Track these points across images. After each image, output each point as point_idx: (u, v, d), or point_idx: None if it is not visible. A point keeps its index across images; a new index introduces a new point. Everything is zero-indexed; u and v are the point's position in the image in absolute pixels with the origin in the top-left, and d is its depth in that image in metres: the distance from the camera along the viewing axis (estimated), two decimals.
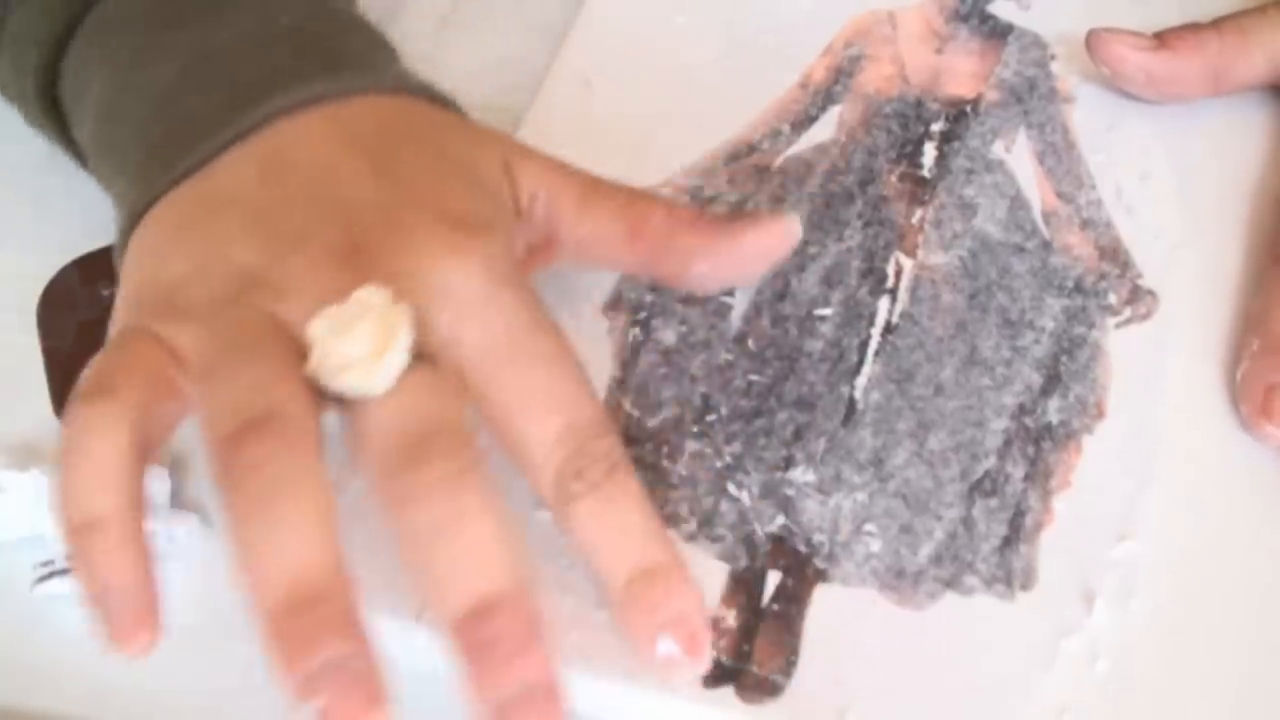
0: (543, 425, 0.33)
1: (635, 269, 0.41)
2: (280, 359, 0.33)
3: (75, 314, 0.46)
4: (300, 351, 0.33)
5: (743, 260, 0.39)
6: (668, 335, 0.44)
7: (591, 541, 0.33)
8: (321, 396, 0.33)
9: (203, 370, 0.34)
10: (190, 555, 0.42)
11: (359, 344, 0.32)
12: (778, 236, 0.39)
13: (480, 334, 0.34)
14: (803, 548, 0.40)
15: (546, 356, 0.34)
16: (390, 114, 0.39)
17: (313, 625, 0.30)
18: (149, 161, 0.39)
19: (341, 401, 0.33)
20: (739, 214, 0.43)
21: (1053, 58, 0.50)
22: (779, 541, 0.40)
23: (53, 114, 0.44)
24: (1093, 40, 0.48)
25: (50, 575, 0.41)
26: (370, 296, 0.33)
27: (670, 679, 0.33)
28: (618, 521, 0.33)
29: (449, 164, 0.38)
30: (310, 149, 0.37)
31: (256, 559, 0.31)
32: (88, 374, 0.34)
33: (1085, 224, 0.46)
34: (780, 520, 0.40)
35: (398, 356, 0.33)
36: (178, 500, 0.42)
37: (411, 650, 0.39)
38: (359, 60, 0.41)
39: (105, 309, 0.46)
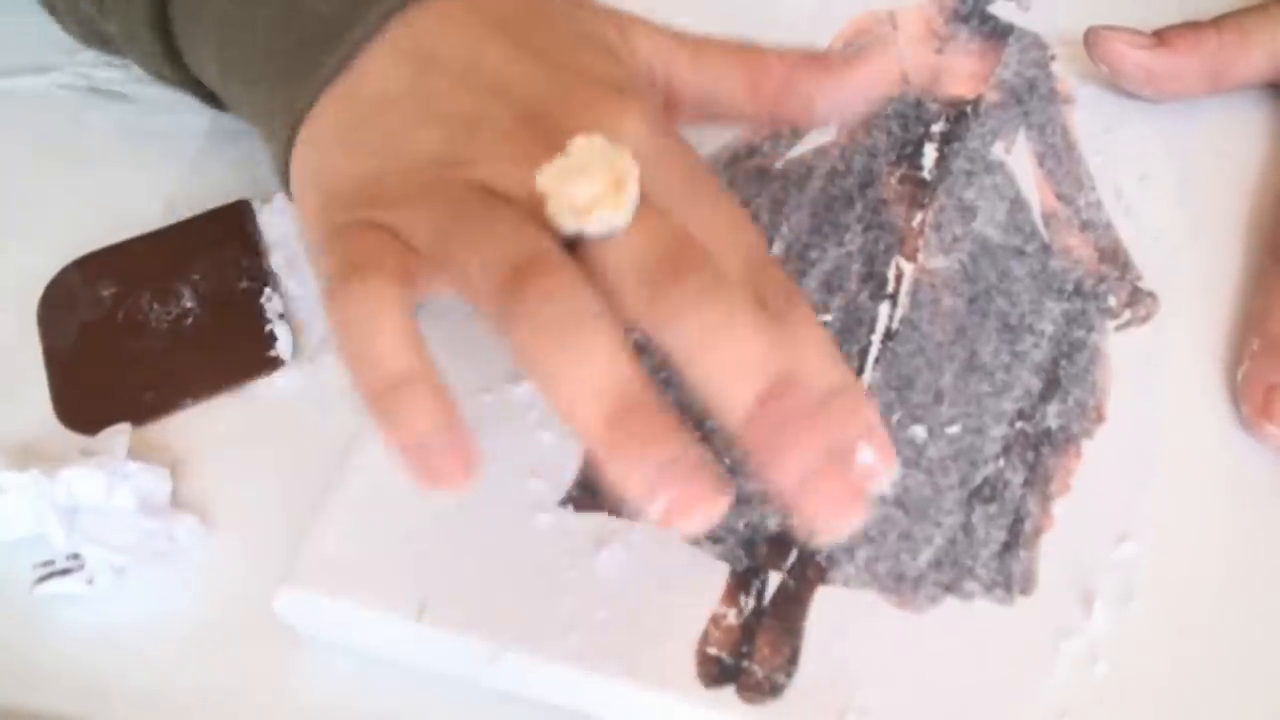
0: (729, 261, 0.35)
1: (755, 116, 0.42)
2: (515, 213, 0.35)
3: (75, 314, 0.46)
4: (522, 209, 0.35)
5: (856, 95, 0.41)
6: None
7: (786, 364, 0.34)
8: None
9: (443, 241, 0.35)
10: (190, 555, 0.42)
11: (596, 183, 0.34)
12: (883, 68, 0.42)
13: (661, 182, 0.35)
14: (803, 549, 0.40)
15: (718, 197, 0.36)
16: None
17: (641, 429, 0.32)
18: (288, 68, 0.40)
19: (576, 251, 0.35)
20: (842, 54, 0.44)
21: (1053, 58, 0.50)
22: (780, 542, 0.40)
23: (163, 44, 0.44)
24: (1091, 38, 0.48)
25: (50, 575, 0.41)
26: (587, 143, 0.35)
27: (871, 488, 0.34)
28: (806, 345, 0.35)
29: (581, 37, 0.40)
30: (451, 41, 0.39)
31: (569, 382, 0.32)
32: (336, 262, 0.36)
33: (1085, 226, 0.46)
34: (781, 522, 0.40)
35: (633, 191, 0.34)
36: (178, 500, 0.42)
37: (412, 650, 0.39)
38: None
39: (105, 309, 0.46)
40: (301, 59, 0.39)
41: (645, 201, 0.35)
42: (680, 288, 0.33)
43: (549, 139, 0.35)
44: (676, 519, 0.32)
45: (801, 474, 0.32)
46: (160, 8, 0.44)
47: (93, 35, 0.49)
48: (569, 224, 0.34)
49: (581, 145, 0.35)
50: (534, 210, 0.35)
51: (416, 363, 0.34)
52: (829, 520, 0.32)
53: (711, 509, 0.32)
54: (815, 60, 0.41)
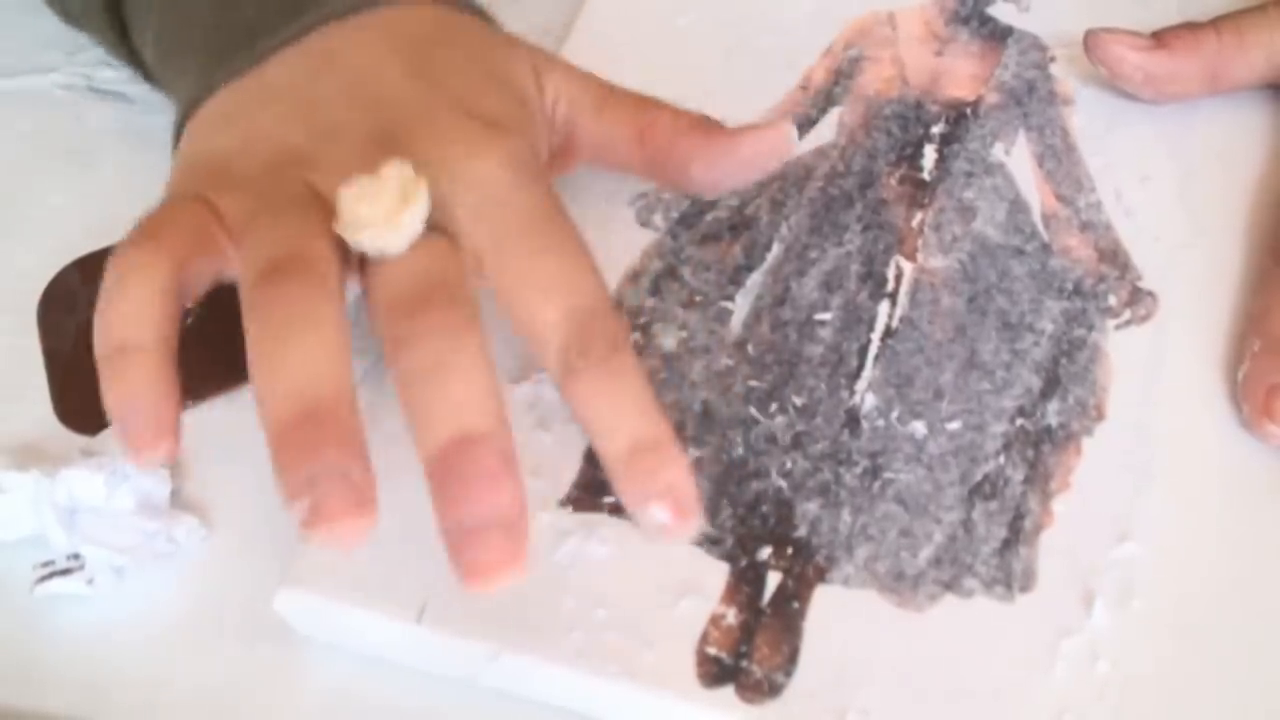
0: (551, 306, 0.35)
1: (643, 171, 0.43)
2: (312, 218, 0.36)
3: (75, 314, 0.46)
4: (331, 216, 0.36)
5: (739, 165, 0.42)
6: (668, 341, 0.44)
7: (591, 415, 0.35)
8: (348, 259, 0.36)
9: (243, 225, 0.36)
10: (190, 555, 0.42)
11: (379, 207, 0.35)
12: (774, 143, 0.43)
13: (498, 222, 0.36)
14: (803, 548, 0.40)
15: (559, 245, 0.36)
16: (435, 22, 0.42)
17: (314, 436, 0.32)
18: (209, 62, 0.41)
19: (364, 270, 0.36)
20: (742, 125, 0.44)
21: (1052, 60, 0.50)
22: (779, 542, 0.40)
23: (116, 25, 0.46)
24: (1090, 40, 0.48)
25: (50, 575, 0.41)
26: (395, 169, 0.36)
27: (663, 542, 0.34)
28: (616, 397, 0.34)
29: (483, 69, 0.41)
30: (356, 51, 0.40)
31: (269, 378, 0.33)
32: (137, 223, 0.37)
33: (1085, 226, 0.46)
34: (780, 522, 0.40)
35: (411, 220, 0.35)
36: (178, 500, 0.42)
37: (411, 650, 0.39)
38: None
39: None
40: (221, 56, 0.41)
41: (445, 238, 0.36)
42: (417, 320, 0.34)
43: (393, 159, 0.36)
44: (314, 526, 0.32)
45: (464, 525, 0.32)
46: None
47: (56, 4, 0.50)
48: (347, 238, 0.36)
49: (389, 168, 0.36)
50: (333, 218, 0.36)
51: (145, 335, 0.34)
52: (469, 579, 0.32)
53: (350, 527, 0.32)
54: (703, 127, 0.42)
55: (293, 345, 0.33)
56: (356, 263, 0.36)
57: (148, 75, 0.48)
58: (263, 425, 0.33)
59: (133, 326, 0.34)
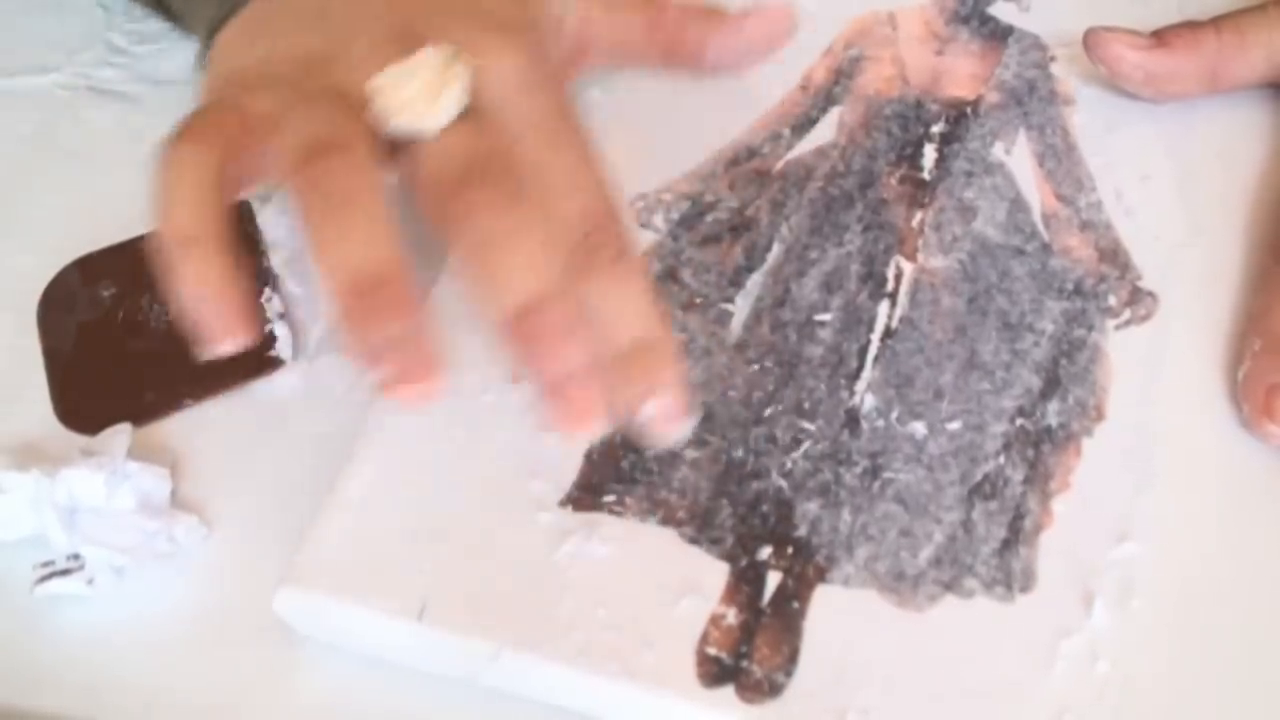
0: (565, 205, 0.37)
1: (658, 60, 0.45)
2: (343, 109, 0.38)
3: (75, 314, 0.46)
4: (361, 108, 0.38)
5: (748, 44, 0.45)
6: None
7: (599, 313, 0.37)
8: (386, 145, 0.38)
9: (277, 119, 0.38)
10: (190, 555, 0.42)
11: (414, 90, 0.37)
12: (779, 22, 0.46)
13: (517, 117, 0.38)
14: (803, 548, 0.40)
15: (574, 146, 0.39)
16: None
17: (376, 305, 0.35)
18: None
19: (406, 154, 0.38)
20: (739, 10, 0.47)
21: (1053, 59, 0.50)
22: (779, 542, 0.40)
23: None
24: (1090, 39, 0.48)
25: (50, 575, 0.41)
26: (429, 54, 0.38)
27: (652, 441, 0.38)
28: (622, 299, 0.37)
29: None
30: None
31: (330, 250, 0.36)
32: (177, 124, 0.38)
33: (1085, 226, 0.46)
34: (780, 522, 0.40)
35: (449, 100, 0.37)
36: (177, 500, 0.43)
37: (412, 650, 0.39)
38: None
39: (105, 309, 0.46)
40: None
41: (483, 120, 0.38)
42: (473, 193, 0.36)
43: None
44: (394, 389, 0.35)
45: (554, 377, 0.35)
46: None
47: None
48: (382, 123, 0.37)
49: (423, 53, 0.38)
50: (364, 109, 0.38)
51: (199, 227, 0.36)
52: (561, 426, 0.35)
53: (427, 386, 0.35)
54: (709, 11, 0.45)
55: (347, 220, 0.36)
56: (388, 151, 0.38)
57: (167, 13, 0.49)
58: (331, 294, 0.35)
59: (191, 218, 0.36)
